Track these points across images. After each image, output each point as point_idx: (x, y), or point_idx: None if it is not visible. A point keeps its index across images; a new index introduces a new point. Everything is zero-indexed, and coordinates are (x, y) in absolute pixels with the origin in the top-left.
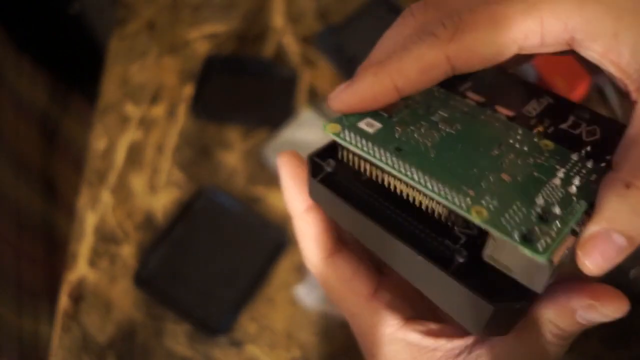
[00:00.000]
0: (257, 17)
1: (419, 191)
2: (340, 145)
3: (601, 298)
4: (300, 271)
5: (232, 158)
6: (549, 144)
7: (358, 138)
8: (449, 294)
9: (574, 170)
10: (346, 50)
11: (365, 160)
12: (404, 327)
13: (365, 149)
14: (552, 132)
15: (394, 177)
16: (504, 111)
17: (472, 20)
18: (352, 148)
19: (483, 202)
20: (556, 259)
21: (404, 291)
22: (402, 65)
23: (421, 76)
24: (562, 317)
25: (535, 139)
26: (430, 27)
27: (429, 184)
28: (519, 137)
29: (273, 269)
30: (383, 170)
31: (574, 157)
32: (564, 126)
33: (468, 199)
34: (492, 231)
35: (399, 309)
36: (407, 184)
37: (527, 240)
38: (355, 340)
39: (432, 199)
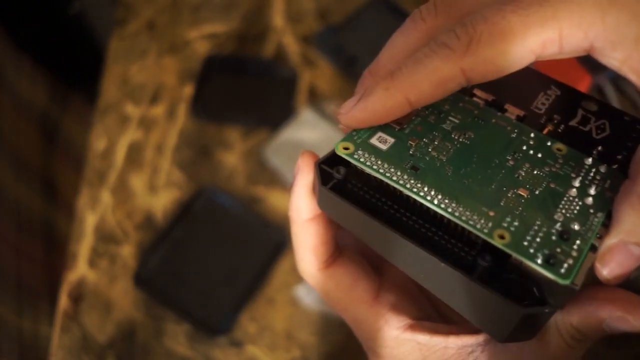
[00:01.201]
0: (257, 17)
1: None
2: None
3: (634, 311)
4: None
5: (232, 158)
6: (562, 147)
7: (372, 158)
8: (472, 300)
9: (589, 178)
10: (346, 50)
11: (382, 181)
12: (411, 327)
13: (381, 170)
14: (563, 131)
15: (413, 198)
16: (514, 110)
17: (487, 31)
18: (367, 170)
19: (504, 224)
20: (579, 281)
21: (407, 290)
22: (415, 79)
23: (435, 90)
24: (587, 324)
25: (548, 143)
26: (442, 37)
27: (449, 209)
28: (532, 142)
29: (273, 269)
30: (401, 192)
31: (588, 161)
32: (573, 123)
33: (490, 223)
34: (516, 256)
35: (404, 310)
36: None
37: (550, 263)
38: (355, 340)
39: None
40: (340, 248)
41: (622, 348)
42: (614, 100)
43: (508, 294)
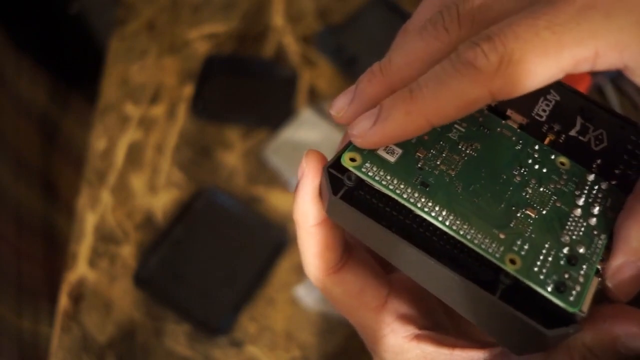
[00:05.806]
0: (257, 17)
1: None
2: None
3: None
4: (300, 271)
5: (232, 158)
6: (565, 161)
7: (381, 172)
8: (492, 316)
9: (592, 196)
10: (346, 50)
11: (391, 198)
12: (417, 338)
13: (391, 187)
14: (564, 141)
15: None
16: (516, 117)
17: (519, 50)
18: (376, 186)
19: (515, 247)
20: (585, 307)
21: (417, 296)
22: (439, 103)
23: (460, 112)
24: (601, 343)
25: (552, 156)
26: (467, 54)
27: (461, 231)
28: (536, 155)
29: (273, 269)
30: (412, 211)
31: (590, 178)
32: (573, 132)
33: (501, 247)
34: (527, 283)
35: (411, 320)
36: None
37: (560, 291)
38: (355, 340)
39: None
40: (350, 246)
41: None
42: (614, 100)
43: (531, 312)
